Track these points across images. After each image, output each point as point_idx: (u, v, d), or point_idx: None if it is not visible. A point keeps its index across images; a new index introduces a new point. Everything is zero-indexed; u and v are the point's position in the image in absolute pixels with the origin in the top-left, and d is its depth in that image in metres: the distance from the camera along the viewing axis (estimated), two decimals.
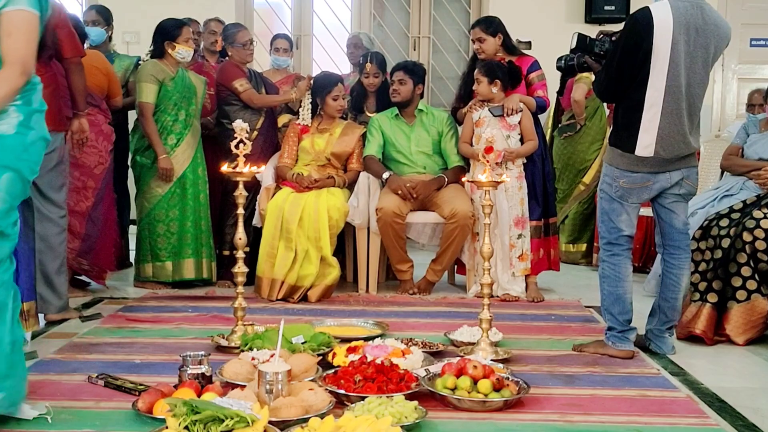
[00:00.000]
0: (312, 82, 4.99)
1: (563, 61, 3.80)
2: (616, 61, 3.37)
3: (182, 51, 4.72)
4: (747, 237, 3.77)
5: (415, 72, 4.96)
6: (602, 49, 3.53)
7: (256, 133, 4.96)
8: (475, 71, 4.74)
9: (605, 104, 5.67)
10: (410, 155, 4.97)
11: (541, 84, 4.83)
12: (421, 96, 5.06)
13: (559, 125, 6.04)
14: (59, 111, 3.99)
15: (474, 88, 4.78)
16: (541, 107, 4.82)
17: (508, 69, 4.72)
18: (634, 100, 3.36)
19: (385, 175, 4.82)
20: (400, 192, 4.71)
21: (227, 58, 5.08)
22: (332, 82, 4.93)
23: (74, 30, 4.06)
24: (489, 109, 4.71)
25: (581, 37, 3.61)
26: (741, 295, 3.77)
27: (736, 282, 3.78)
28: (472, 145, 4.78)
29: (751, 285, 3.76)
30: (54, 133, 3.88)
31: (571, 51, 3.67)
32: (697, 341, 3.80)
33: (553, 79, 5.74)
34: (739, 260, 3.78)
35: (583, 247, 6.02)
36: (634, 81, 3.34)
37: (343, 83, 4.99)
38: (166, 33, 4.73)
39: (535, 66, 4.85)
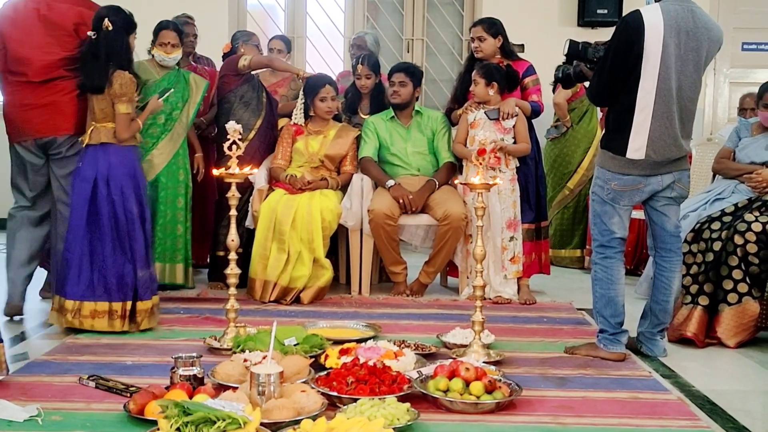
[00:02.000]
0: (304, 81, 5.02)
1: (560, 72, 3.81)
2: (608, 65, 3.38)
3: (157, 54, 4.67)
4: (738, 240, 3.79)
5: (415, 74, 4.99)
6: (595, 56, 3.54)
7: (253, 132, 4.95)
8: (473, 72, 4.74)
9: (598, 107, 5.69)
10: (406, 157, 4.97)
11: (536, 89, 4.84)
12: (417, 98, 5.07)
13: (548, 128, 6.05)
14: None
15: (470, 89, 4.78)
16: (536, 112, 4.82)
17: (506, 73, 4.73)
18: (625, 103, 3.37)
19: (389, 183, 4.83)
20: (401, 201, 4.72)
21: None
22: (321, 83, 4.92)
23: None
24: (485, 112, 4.72)
25: (573, 44, 3.62)
26: (732, 298, 3.78)
27: (728, 285, 3.79)
28: (466, 146, 4.78)
29: (743, 288, 3.77)
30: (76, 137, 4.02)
31: (565, 56, 3.68)
32: (688, 344, 3.81)
33: (547, 81, 5.76)
34: (731, 263, 3.79)
35: (577, 252, 6.02)
36: (626, 84, 3.35)
37: (332, 85, 4.97)
38: (154, 34, 4.69)
39: (531, 70, 4.85)
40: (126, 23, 3.92)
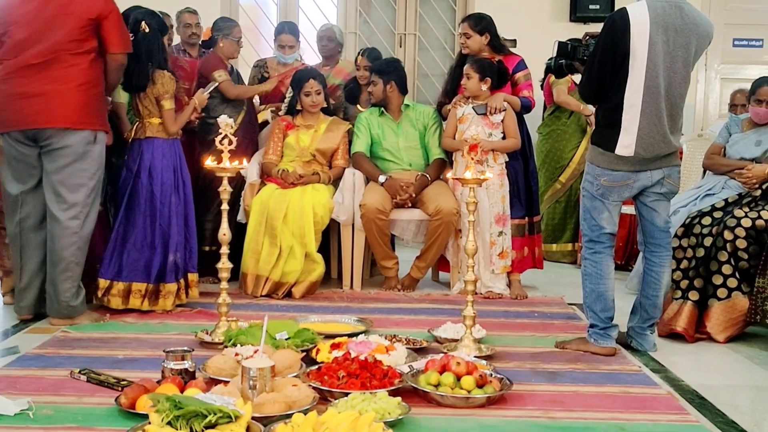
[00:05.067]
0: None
1: (553, 62, 3.81)
2: (596, 63, 3.39)
3: None
4: (728, 235, 3.81)
5: (383, 71, 4.96)
6: (585, 54, 3.54)
7: (235, 128, 4.92)
8: (466, 66, 4.72)
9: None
10: (397, 152, 4.98)
11: (527, 84, 4.84)
12: (404, 92, 5.05)
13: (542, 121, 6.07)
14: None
15: (462, 83, 4.77)
16: (526, 107, 4.82)
17: (497, 68, 4.73)
18: (614, 100, 3.38)
19: (381, 179, 4.83)
20: (398, 197, 4.73)
21: (211, 49, 5.04)
22: (305, 77, 4.91)
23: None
24: (472, 107, 4.72)
25: (562, 45, 3.63)
26: (722, 293, 3.80)
27: (717, 280, 3.81)
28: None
29: (732, 283, 3.79)
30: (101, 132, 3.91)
31: (555, 59, 3.69)
32: (678, 339, 3.83)
33: (538, 77, 5.76)
34: (720, 258, 3.81)
35: (568, 247, 6.04)
36: (614, 82, 3.36)
37: (318, 78, 4.94)
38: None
39: (522, 65, 4.85)
40: (161, 25, 4.16)
